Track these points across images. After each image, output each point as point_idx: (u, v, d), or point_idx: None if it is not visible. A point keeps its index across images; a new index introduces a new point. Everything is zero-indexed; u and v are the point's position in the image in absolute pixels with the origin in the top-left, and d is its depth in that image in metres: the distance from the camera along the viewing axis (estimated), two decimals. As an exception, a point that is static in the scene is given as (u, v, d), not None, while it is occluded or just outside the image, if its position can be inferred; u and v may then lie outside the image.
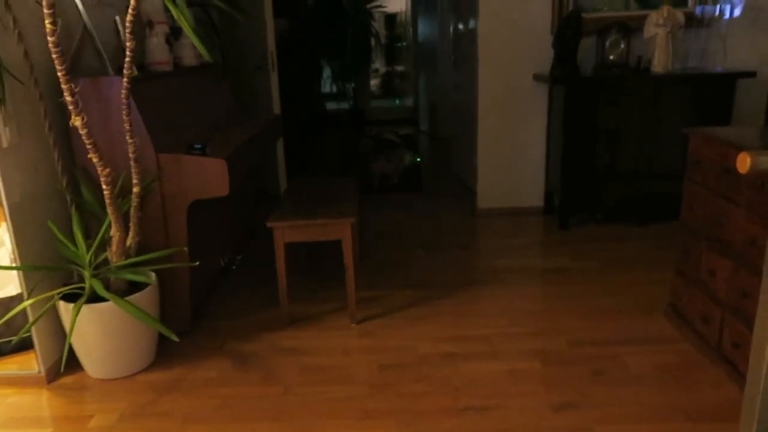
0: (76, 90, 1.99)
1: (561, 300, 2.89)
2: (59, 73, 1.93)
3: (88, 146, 2.08)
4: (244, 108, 4.39)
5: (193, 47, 3.18)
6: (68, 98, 1.97)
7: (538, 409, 2.05)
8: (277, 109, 4.53)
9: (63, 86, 1.95)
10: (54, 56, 1.90)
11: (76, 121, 2.02)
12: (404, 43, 11.48)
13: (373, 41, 9.04)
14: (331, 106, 9.29)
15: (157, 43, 2.84)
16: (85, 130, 2.04)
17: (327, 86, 9.16)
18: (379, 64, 12.24)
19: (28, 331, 2.26)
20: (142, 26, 2.85)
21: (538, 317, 2.72)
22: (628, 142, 3.70)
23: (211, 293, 3.10)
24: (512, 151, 4.18)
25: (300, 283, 3.21)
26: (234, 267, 3.39)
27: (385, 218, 4.35)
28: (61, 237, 2.27)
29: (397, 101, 10.21)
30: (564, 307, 2.81)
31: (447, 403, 2.10)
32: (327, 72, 8.74)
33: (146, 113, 2.45)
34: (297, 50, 5.86)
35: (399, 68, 12.81)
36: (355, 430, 1.97)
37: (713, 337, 2.26)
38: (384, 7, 9.13)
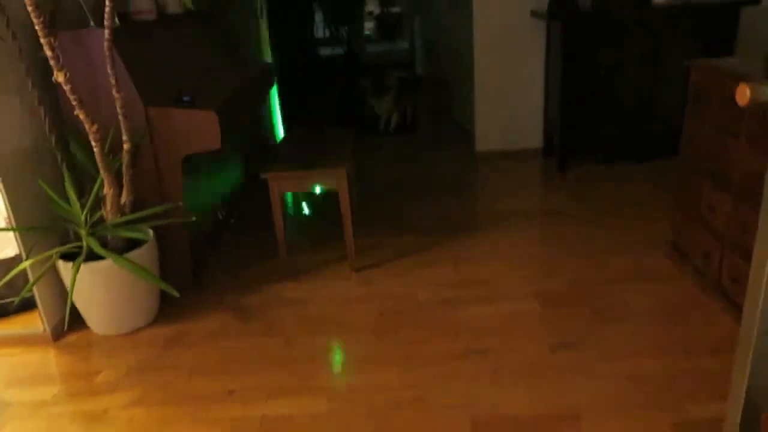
0: (56, 44, 1.93)
1: (560, 241, 2.88)
2: (37, 27, 1.86)
3: (74, 102, 2.04)
4: (234, 57, 4.28)
5: (177, -5, 3.07)
6: (48, 53, 1.91)
7: (538, 349, 2.07)
8: (268, 57, 4.43)
9: (42, 40, 1.89)
10: (29, 9, 1.83)
11: (59, 77, 1.96)
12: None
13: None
14: (325, 51, 9.07)
15: (138, -9, 2.74)
16: (68, 86, 1.99)
17: (320, 31, 8.92)
18: (373, 6, 11.86)
19: (30, 290, 2.27)
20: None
21: (538, 259, 2.72)
22: (629, 78, 3.61)
23: (211, 246, 3.10)
24: (510, 91, 4.10)
25: (299, 233, 3.21)
26: (233, 220, 3.37)
27: (383, 163, 4.31)
28: (54, 196, 2.25)
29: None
30: (564, 248, 2.81)
31: (447, 347, 2.12)
32: (320, 16, 8.48)
33: (132, 65, 2.38)
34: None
35: (394, 10, 12.44)
36: (357, 376, 2.00)
37: (712, 273, 2.26)
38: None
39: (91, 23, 2.48)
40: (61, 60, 1.95)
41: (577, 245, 2.82)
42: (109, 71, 2.15)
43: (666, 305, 2.28)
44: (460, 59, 4.87)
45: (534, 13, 3.85)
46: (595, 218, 3.11)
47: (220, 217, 3.28)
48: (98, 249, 2.16)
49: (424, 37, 7.60)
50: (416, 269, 2.71)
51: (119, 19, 2.61)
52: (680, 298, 2.31)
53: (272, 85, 4.11)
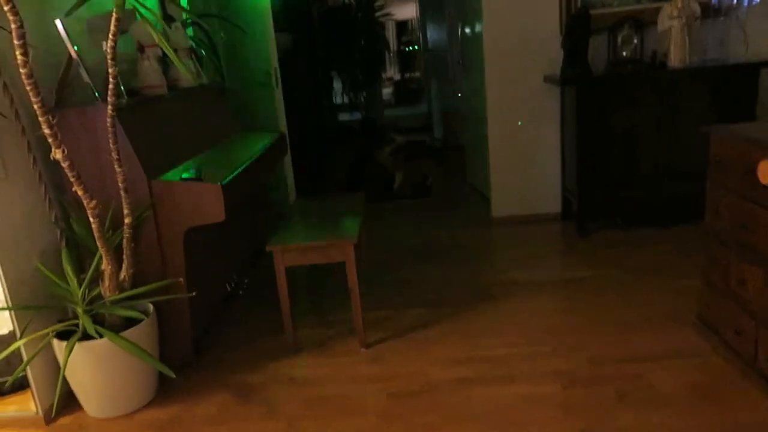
0: (54, 122, 1.91)
1: (581, 313, 2.72)
2: (35, 106, 1.85)
3: (72, 179, 2.00)
4: (249, 127, 4.32)
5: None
6: (46, 131, 1.89)
7: (558, 438, 1.90)
8: (283, 126, 4.45)
9: (40, 119, 1.87)
10: (28, 88, 1.82)
11: (57, 154, 1.94)
12: (416, 47, 11.30)
13: (385, 50, 8.89)
14: (344, 117, 9.21)
15: (149, 66, 2.77)
16: (66, 163, 1.96)
17: (339, 98, 9.08)
18: (391, 72, 12.10)
19: (23, 371, 2.19)
20: (134, 50, 2.79)
21: (558, 334, 2.57)
22: (647, 141, 3.52)
23: (215, 320, 3.00)
24: (526, 156, 4.02)
25: (307, 306, 3.10)
26: (240, 292, 3.29)
27: (397, 230, 4.23)
28: (50, 276, 2.19)
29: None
30: (585, 321, 2.65)
31: (459, 435, 1.96)
32: (339, 83, 8.64)
33: (138, 139, 2.37)
34: (303, 64, 5.78)
35: (413, 75, 12.69)
36: (361, 469, 1.85)
37: (748, 352, 2.08)
38: (393, 15, 9.02)
39: (98, 100, 2.49)
40: (59, 137, 1.93)
41: (599, 317, 2.66)
42: (111, 146, 2.13)
43: (697, 387, 2.09)
44: (474, 124, 4.84)
45: (547, 78, 3.82)
46: (616, 287, 2.94)
47: (229, 289, 3.19)
48: (91, 328, 2.08)
49: (442, 102, 7.67)
50: (429, 344, 2.57)
51: (129, 94, 2.63)
52: (712, 379, 2.13)
53: (285, 153, 4.10)
